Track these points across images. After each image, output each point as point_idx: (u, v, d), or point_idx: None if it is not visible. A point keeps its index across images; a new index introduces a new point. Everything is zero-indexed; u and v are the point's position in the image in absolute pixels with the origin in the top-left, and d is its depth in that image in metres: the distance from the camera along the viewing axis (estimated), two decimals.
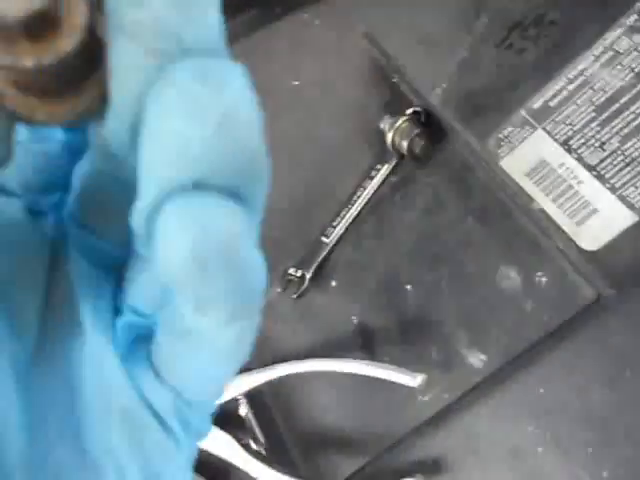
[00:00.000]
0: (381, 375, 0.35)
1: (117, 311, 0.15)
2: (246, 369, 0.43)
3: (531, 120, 0.39)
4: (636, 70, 0.36)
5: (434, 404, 0.37)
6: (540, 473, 0.31)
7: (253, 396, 0.43)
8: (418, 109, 0.44)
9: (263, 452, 0.41)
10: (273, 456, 0.41)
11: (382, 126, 0.43)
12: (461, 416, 0.35)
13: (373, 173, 0.44)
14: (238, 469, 0.40)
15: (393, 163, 0.44)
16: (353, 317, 0.42)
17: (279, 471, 0.38)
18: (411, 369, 0.37)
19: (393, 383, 0.37)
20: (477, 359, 0.36)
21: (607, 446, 0.29)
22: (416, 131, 0.41)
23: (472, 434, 0.34)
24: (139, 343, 0.15)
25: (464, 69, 0.44)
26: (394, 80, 0.45)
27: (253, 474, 0.39)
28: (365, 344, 0.41)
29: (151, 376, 0.15)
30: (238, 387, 0.43)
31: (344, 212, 0.44)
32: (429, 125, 0.43)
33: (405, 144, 0.41)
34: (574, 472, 0.30)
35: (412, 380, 0.34)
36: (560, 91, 0.38)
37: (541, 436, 0.32)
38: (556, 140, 0.37)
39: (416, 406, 0.37)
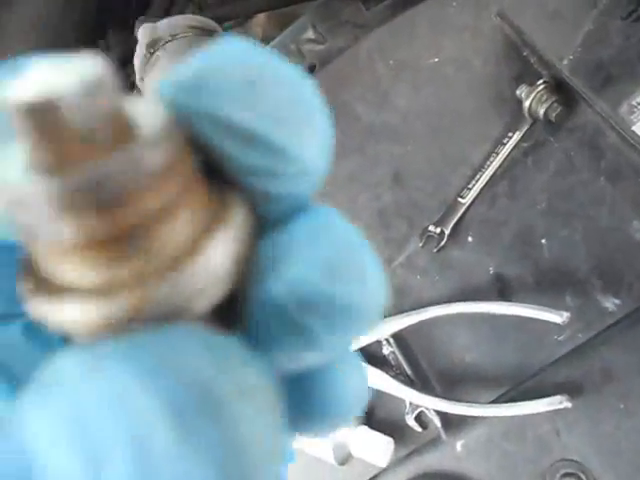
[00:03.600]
0: (527, 314, 0.40)
1: None
2: (387, 315, 0.50)
3: None
4: None
5: (569, 342, 0.42)
6: None
7: (396, 339, 0.50)
8: (549, 79, 0.48)
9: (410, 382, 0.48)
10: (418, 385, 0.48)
11: (519, 93, 0.48)
12: (597, 351, 0.40)
13: (505, 140, 0.49)
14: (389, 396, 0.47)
15: (525, 130, 0.48)
16: (490, 268, 0.47)
17: (427, 394, 0.44)
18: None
19: (527, 326, 0.42)
20: (611, 303, 0.41)
21: None
22: (554, 98, 0.45)
23: (607, 365, 0.39)
24: None
25: (590, 41, 0.48)
26: (525, 54, 0.50)
27: (403, 397, 0.45)
28: (501, 292, 0.46)
29: None
30: (381, 331, 0.50)
31: (479, 175, 0.49)
32: (562, 94, 0.47)
33: (542, 110, 0.45)
34: None
35: (558, 317, 0.39)
36: None
37: None
38: None
39: (552, 344, 0.43)
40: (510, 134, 0.49)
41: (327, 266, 0.12)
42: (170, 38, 0.73)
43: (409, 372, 0.48)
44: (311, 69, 0.49)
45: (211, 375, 0.09)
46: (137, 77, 0.78)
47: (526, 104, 0.47)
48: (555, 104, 0.45)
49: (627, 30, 0.46)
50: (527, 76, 0.49)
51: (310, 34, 0.51)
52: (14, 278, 0.12)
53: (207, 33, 0.77)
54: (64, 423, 0.09)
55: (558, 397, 0.38)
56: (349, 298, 0.12)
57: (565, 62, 0.48)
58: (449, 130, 0.51)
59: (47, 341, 0.14)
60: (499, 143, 0.49)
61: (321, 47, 0.50)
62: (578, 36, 0.49)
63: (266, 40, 0.60)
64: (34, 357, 0.14)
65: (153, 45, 0.74)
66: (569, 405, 0.38)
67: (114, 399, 0.09)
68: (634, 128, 0.42)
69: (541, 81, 0.47)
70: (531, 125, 0.48)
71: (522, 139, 0.48)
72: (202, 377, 0.09)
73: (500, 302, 0.42)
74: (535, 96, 0.46)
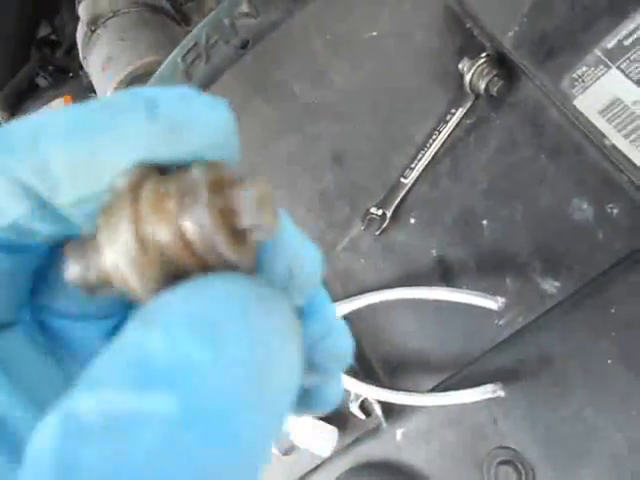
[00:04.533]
0: (463, 299, 0.39)
1: None
2: (333, 301, 0.48)
3: (605, 59, 0.40)
4: None
5: (509, 327, 0.41)
6: (608, 381, 0.35)
7: None
8: (492, 53, 0.46)
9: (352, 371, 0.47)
10: (360, 374, 0.46)
11: (461, 67, 0.46)
12: (536, 335, 0.38)
13: (448, 117, 0.47)
14: None
15: (467, 106, 0.46)
16: (432, 250, 0.46)
17: (370, 384, 0.43)
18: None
19: (470, 310, 0.41)
20: (551, 286, 0.40)
21: None
22: (495, 72, 0.43)
23: (545, 350, 0.38)
24: None
25: (536, 12, 0.46)
26: (468, 26, 0.47)
27: (345, 386, 0.44)
28: (444, 275, 0.45)
29: None
30: None
31: (421, 154, 0.47)
32: (504, 67, 0.45)
33: (483, 84, 0.44)
34: None
35: (493, 303, 0.37)
36: (635, 30, 0.39)
37: (611, 350, 0.35)
38: (630, 78, 0.39)
39: (493, 329, 0.41)
40: (453, 111, 0.47)
41: None
42: (112, 14, 0.69)
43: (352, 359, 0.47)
44: (244, 45, 0.46)
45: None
46: (80, 56, 0.75)
47: (467, 78, 0.45)
48: (496, 78, 0.43)
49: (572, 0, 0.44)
50: (470, 49, 0.47)
51: (244, 8, 0.49)
52: (15, 285, 0.15)
53: (152, 10, 0.73)
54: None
55: (491, 386, 0.37)
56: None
57: (510, 34, 0.46)
58: (390, 107, 0.49)
59: (47, 345, 0.16)
60: (442, 120, 0.47)
61: (255, 22, 0.47)
62: (524, 7, 0.47)
63: None
64: (36, 360, 0.16)
65: (94, 22, 0.70)
66: (502, 394, 0.36)
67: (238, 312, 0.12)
68: (575, 102, 0.40)
69: (484, 55, 0.45)
70: (474, 101, 0.46)
71: (465, 116, 0.46)
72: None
73: (438, 287, 0.41)
74: (476, 70, 0.44)
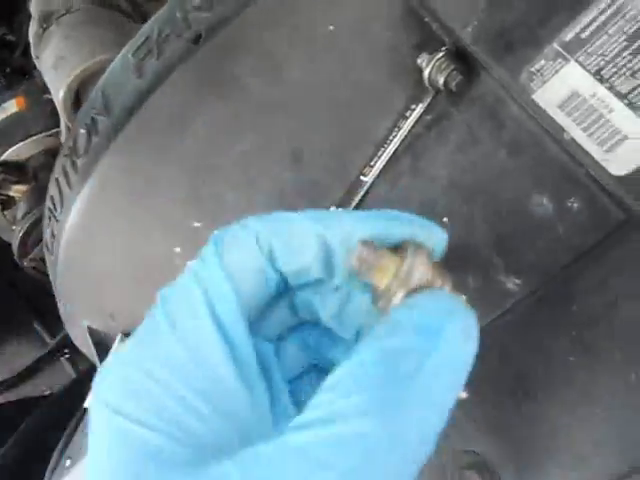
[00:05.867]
0: None
1: None
2: None
3: (563, 52, 0.40)
4: None
5: None
6: (571, 379, 0.34)
7: None
8: (451, 47, 0.45)
9: None
10: None
11: (420, 61, 0.45)
12: (498, 334, 0.37)
13: (408, 113, 0.46)
14: None
15: (427, 102, 0.45)
16: None
17: None
18: None
19: None
20: (513, 283, 0.39)
21: (637, 349, 0.32)
22: (453, 66, 0.42)
23: (507, 349, 0.37)
24: None
25: (494, 5, 0.45)
26: (426, 20, 0.47)
27: None
28: None
29: None
30: None
31: (381, 152, 0.46)
32: (463, 62, 0.44)
33: (442, 79, 0.43)
34: (605, 375, 0.32)
35: None
36: (591, 22, 0.39)
37: (573, 347, 0.34)
38: (588, 71, 0.38)
39: None
40: (412, 106, 0.46)
41: None
42: (64, 12, 0.66)
43: None
44: (197, 40, 0.45)
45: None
46: (33, 55, 0.72)
47: (426, 73, 0.44)
48: (454, 72, 0.42)
49: None
50: (430, 44, 0.46)
51: (197, 1, 0.47)
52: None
53: (107, 7, 0.71)
54: None
55: None
56: None
57: (469, 29, 0.45)
58: (349, 103, 0.48)
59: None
60: (401, 117, 0.46)
61: (208, 15, 0.46)
62: (482, 1, 0.46)
63: None
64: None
65: (46, 19, 0.67)
66: (464, 395, 0.35)
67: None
68: (534, 96, 0.40)
69: (442, 49, 0.44)
70: (434, 97, 0.45)
71: (425, 112, 0.46)
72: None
73: None
74: (434, 64, 0.43)
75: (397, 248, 0.24)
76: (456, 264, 0.41)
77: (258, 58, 0.45)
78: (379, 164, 0.46)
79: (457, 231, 0.42)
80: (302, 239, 0.23)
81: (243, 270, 0.22)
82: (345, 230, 0.23)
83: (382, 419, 0.17)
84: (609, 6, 0.39)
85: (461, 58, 0.44)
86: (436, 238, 0.26)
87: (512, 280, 0.39)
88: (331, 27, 0.46)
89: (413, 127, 0.45)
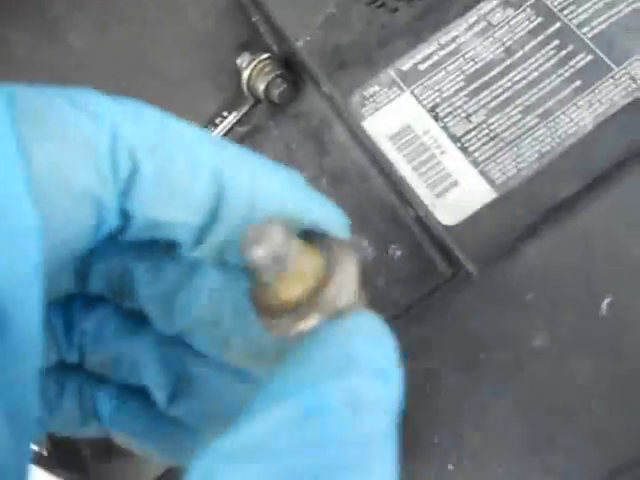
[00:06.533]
0: None
1: None
2: None
3: (399, 81, 0.35)
4: (507, 44, 0.35)
5: None
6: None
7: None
8: (278, 53, 0.38)
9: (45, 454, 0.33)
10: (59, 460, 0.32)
11: (239, 62, 0.37)
12: None
13: (218, 120, 0.38)
14: None
15: (243, 110, 0.38)
16: None
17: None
18: None
19: None
20: None
21: (454, 437, 0.26)
22: (277, 72, 0.35)
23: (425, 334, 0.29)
24: None
25: (331, 25, 0.40)
26: (254, 19, 0.40)
27: None
28: None
29: None
30: None
31: None
32: (290, 71, 0.38)
33: (263, 85, 0.35)
34: (418, 467, 0.26)
35: None
36: (430, 55, 0.35)
37: None
38: (423, 106, 0.34)
39: None
40: (225, 113, 0.38)
41: None
42: None
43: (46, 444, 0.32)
44: None
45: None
46: None
47: (244, 75, 0.36)
48: (279, 80, 0.36)
49: (370, 16, 0.39)
50: (255, 46, 0.39)
51: None
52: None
53: None
54: None
55: None
56: None
57: (301, 42, 0.40)
58: (153, 98, 0.38)
59: None
60: (210, 123, 0.38)
61: None
62: (321, 14, 0.41)
63: None
64: None
65: None
66: None
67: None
68: (364, 123, 0.34)
69: (268, 53, 0.38)
70: (252, 106, 0.38)
71: (239, 122, 0.38)
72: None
73: None
74: (255, 67, 0.36)
75: (309, 238, 0.15)
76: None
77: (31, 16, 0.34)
78: None
79: None
80: (191, 163, 0.14)
81: (59, 177, 0.13)
82: (251, 184, 0.15)
83: None
84: (449, 43, 0.35)
85: (288, 66, 0.38)
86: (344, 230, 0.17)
87: None
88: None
89: (224, 137, 0.37)
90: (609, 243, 0.27)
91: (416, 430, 0.26)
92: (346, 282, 0.14)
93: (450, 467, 0.25)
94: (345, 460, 0.11)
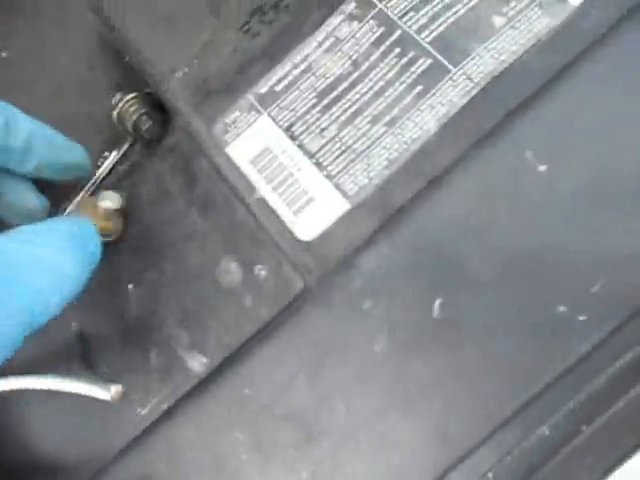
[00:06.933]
0: (72, 389, 0.30)
1: None
2: None
3: (257, 105, 0.36)
4: (353, 57, 0.36)
5: (152, 416, 0.33)
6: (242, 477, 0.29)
7: None
8: (151, 90, 0.40)
9: None
10: None
11: (114, 102, 0.39)
12: (167, 428, 0.31)
13: (100, 161, 0.39)
14: None
15: (123, 150, 0.39)
16: (73, 324, 0.37)
17: None
18: (129, 378, 0.34)
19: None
20: (197, 362, 0.33)
21: (307, 446, 0.28)
22: (142, 110, 0.37)
23: (177, 448, 0.31)
24: None
25: (206, 52, 0.41)
26: (126, 60, 0.41)
27: None
28: (84, 353, 0.36)
29: None
30: None
31: (66, 204, 0.39)
32: (161, 108, 0.39)
33: (130, 124, 0.37)
34: (275, 477, 0.28)
35: (105, 393, 0.30)
36: (285, 76, 0.37)
37: (246, 442, 0.29)
38: (280, 126, 0.36)
39: (134, 421, 0.33)
40: (106, 154, 0.40)
41: None
42: None
43: None
44: None
45: None
46: None
47: (114, 114, 0.38)
48: (144, 117, 0.37)
49: (237, 42, 0.40)
50: (131, 85, 0.41)
51: None
52: None
53: None
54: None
55: None
56: None
57: (179, 74, 0.41)
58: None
59: None
60: (94, 165, 0.40)
61: None
62: (195, 46, 0.42)
63: None
64: None
65: None
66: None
67: None
68: (227, 149, 0.36)
69: (136, 93, 0.39)
70: (131, 144, 0.40)
71: (120, 161, 0.39)
72: None
73: (46, 375, 0.31)
74: (124, 106, 0.38)
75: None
76: (140, 339, 0.35)
77: None
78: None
79: (142, 300, 0.35)
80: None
81: None
82: None
83: None
84: (302, 61, 0.37)
85: (159, 103, 0.39)
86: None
87: (198, 358, 0.33)
88: (3, 54, 0.39)
89: (104, 178, 0.39)
90: (438, 247, 0.28)
91: (271, 444, 0.28)
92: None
93: (304, 475, 0.27)
94: None
